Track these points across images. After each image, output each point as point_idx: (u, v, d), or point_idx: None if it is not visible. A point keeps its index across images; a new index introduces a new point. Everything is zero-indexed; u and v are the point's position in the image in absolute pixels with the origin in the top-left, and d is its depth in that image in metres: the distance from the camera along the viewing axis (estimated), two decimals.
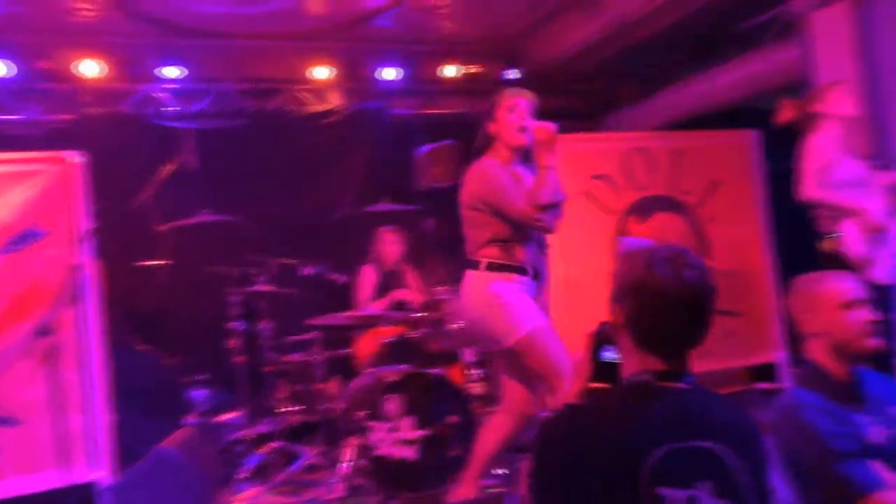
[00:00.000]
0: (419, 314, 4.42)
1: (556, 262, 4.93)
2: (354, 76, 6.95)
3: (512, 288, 3.15)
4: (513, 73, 7.22)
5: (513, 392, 3.37)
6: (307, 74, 6.78)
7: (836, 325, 1.99)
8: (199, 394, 5.19)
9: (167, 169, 5.76)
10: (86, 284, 3.62)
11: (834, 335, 2.00)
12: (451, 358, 4.70)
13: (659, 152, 5.10)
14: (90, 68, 5.73)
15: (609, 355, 1.81)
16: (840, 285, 2.03)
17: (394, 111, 7.10)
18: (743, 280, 5.16)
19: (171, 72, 6.26)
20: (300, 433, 4.73)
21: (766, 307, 5.16)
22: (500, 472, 3.85)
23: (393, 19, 6.27)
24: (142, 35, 6.01)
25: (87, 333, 3.61)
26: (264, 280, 4.61)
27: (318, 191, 6.47)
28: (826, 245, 3.64)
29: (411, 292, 5.13)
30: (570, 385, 3.03)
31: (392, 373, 4.06)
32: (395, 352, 4.41)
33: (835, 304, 2.00)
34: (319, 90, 7.02)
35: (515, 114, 3.20)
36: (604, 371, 1.83)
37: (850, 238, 3.58)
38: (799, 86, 4.64)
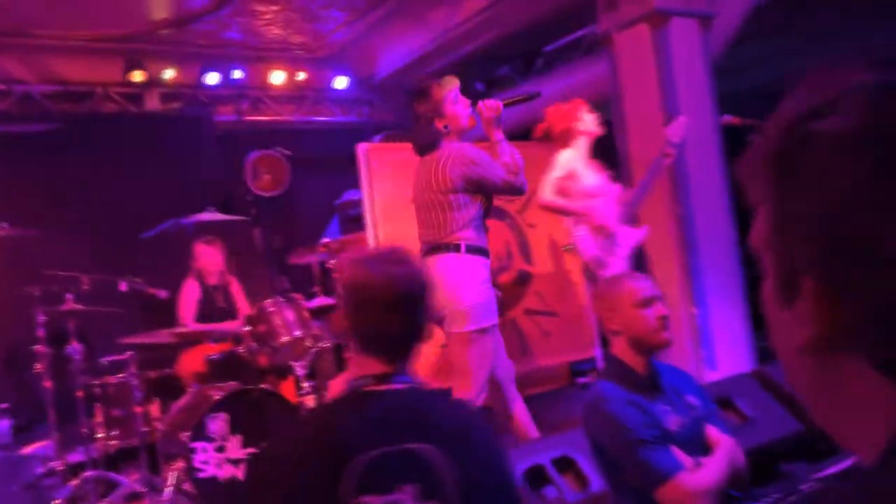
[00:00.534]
0: (246, 328, 4.26)
1: None
2: (175, 80, 6.65)
3: (485, 274, 3.26)
4: (342, 82, 7.21)
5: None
6: (124, 78, 6.40)
7: (633, 322, 2.13)
8: (1, 425, 4.72)
9: None
10: None
11: (631, 331, 2.14)
12: (282, 372, 4.59)
13: None
14: None
15: None
16: (634, 285, 2.18)
17: (218, 117, 6.85)
18: (560, 282, 5.45)
19: None
20: (118, 460, 4.42)
21: (582, 307, 5.47)
22: None
23: (216, 23, 6.06)
24: None
25: None
26: (74, 298, 4.26)
27: (136, 200, 6.10)
28: (566, 250, 3.98)
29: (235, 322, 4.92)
30: (471, 394, 3.11)
31: (217, 390, 3.89)
32: (222, 369, 4.23)
33: (630, 302, 2.14)
34: (137, 94, 6.66)
35: (459, 103, 3.32)
36: None
37: (583, 241, 3.97)
38: (607, 100, 4.97)
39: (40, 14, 5.39)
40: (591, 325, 5.41)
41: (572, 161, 4.03)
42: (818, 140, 0.54)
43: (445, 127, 3.30)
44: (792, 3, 5.48)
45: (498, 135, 3.31)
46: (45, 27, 5.65)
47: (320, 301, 4.93)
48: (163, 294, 4.84)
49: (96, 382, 4.31)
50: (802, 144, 0.55)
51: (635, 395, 2.10)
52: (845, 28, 6.19)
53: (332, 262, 4.89)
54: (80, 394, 4.22)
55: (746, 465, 2.10)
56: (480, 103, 3.33)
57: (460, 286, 3.17)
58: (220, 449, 3.74)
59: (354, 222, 5.64)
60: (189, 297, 4.88)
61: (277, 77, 6.89)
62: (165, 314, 4.92)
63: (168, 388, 4.49)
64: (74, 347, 4.22)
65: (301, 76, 7.02)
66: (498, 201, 5.29)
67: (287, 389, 4.65)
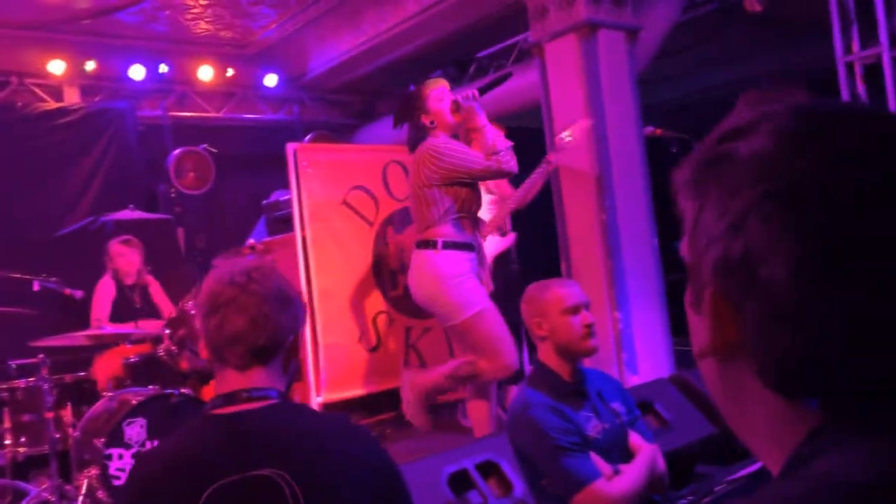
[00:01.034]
0: (167, 330, 4.14)
1: (314, 274, 4.93)
2: (97, 73, 6.41)
3: (464, 267, 3.32)
4: (271, 80, 7.09)
5: (492, 354, 3.47)
6: (42, 68, 6.13)
7: (560, 329, 2.16)
8: None
9: None
10: None
11: (558, 338, 2.17)
12: (204, 376, 4.47)
13: None
14: None
15: None
16: (563, 291, 2.21)
17: (142, 112, 6.64)
18: None
19: None
20: (27, 468, 4.23)
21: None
22: None
23: (142, 15, 5.87)
24: None
25: None
26: None
27: (53, 197, 5.85)
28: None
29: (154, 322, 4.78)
30: (506, 362, 3.33)
31: (135, 395, 3.77)
32: (140, 372, 4.10)
33: (558, 309, 2.17)
34: (56, 86, 6.39)
35: (445, 100, 3.42)
36: None
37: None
38: (538, 107, 5.05)
39: None
40: (521, 330, 5.47)
41: None
42: (726, 160, 0.57)
43: (431, 122, 3.42)
44: (708, 21, 5.70)
45: (480, 120, 3.43)
46: None
47: None
48: (78, 294, 4.66)
49: (4, 387, 4.11)
50: (715, 163, 0.58)
51: (559, 402, 2.13)
52: (758, 45, 6.47)
53: None
54: None
55: (667, 471, 2.16)
56: (457, 96, 3.44)
57: (439, 283, 3.31)
58: (137, 455, 3.62)
59: (282, 223, 5.56)
60: (103, 296, 4.70)
61: (205, 73, 6.73)
62: (81, 316, 4.74)
63: (82, 393, 4.33)
64: None
65: (229, 72, 6.88)
66: None
67: (208, 394, 4.53)
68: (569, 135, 4.06)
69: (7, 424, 4.08)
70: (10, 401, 4.09)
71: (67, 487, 3.82)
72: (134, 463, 1.43)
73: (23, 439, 4.08)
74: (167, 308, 4.77)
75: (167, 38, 6.37)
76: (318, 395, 4.84)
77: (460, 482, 2.55)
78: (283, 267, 5.50)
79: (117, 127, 6.26)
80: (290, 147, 4.96)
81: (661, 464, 2.14)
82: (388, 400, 4.92)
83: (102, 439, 3.57)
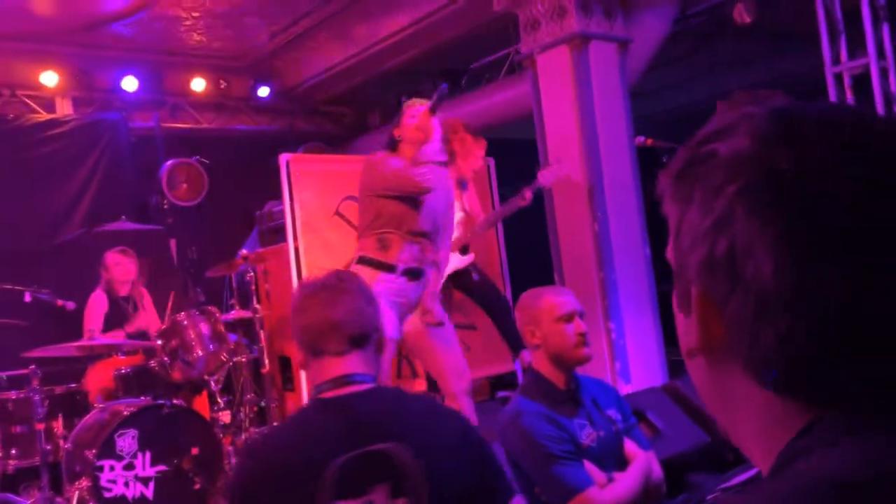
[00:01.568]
0: (158, 342, 4.13)
1: None
2: (89, 85, 6.41)
3: (376, 288, 3.11)
4: (264, 91, 7.11)
5: (437, 376, 3.51)
6: (34, 80, 6.13)
7: (553, 337, 2.16)
8: None
9: None
10: None
11: (551, 346, 2.17)
12: (196, 387, 4.45)
13: None
14: None
15: None
16: (556, 299, 2.21)
17: (134, 123, 6.64)
18: None
19: None
20: (18, 480, 4.20)
21: None
22: None
23: (136, 27, 5.88)
24: None
25: None
26: None
27: (45, 208, 5.83)
28: None
29: (147, 318, 4.77)
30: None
31: (126, 406, 3.75)
32: (132, 384, 4.08)
33: (551, 317, 2.17)
34: (48, 98, 6.39)
35: (416, 118, 3.33)
36: None
37: None
38: (530, 118, 5.08)
39: None
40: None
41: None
42: (708, 160, 0.58)
43: (399, 136, 3.38)
44: (698, 33, 5.75)
45: (432, 133, 3.33)
46: None
47: (237, 314, 4.82)
48: (71, 306, 4.65)
49: None
50: (698, 164, 0.59)
51: (552, 410, 2.13)
52: (747, 57, 6.54)
53: (250, 275, 4.79)
54: None
55: (663, 479, 2.16)
56: (410, 118, 3.36)
57: None
58: (129, 467, 3.60)
59: (275, 234, 5.56)
60: (96, 308, 4.69)
61: (198, 84, 6.74)
62: (73, 327, 4.72)
63: (73, 404, 4.29)
64: None
65: (222, 84, 6.89)
66: None
67: (201, 405, 4.52)
68: (547, 182, 4.26)
69: None
70: (1, 412, 4.06)
71: (58, 500, 3.79)
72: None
73: (13, 451, 4.05)
74: (155, 322, 4.74)
75: (160, 50, 6.38)
76: None
77: None
78: (275, 277, 5.50)
79: (110, 138, 6.25)
80: (283, 157, 4.96)
81: (658, 471, 2.14)
82: None
83: (94, 451, 3.55)
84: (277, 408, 5.09)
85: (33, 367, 3.93)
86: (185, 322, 4.12)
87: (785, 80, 6.66)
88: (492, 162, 5.76)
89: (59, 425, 4.10)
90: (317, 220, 5.05)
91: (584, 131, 4.61)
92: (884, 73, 4.22)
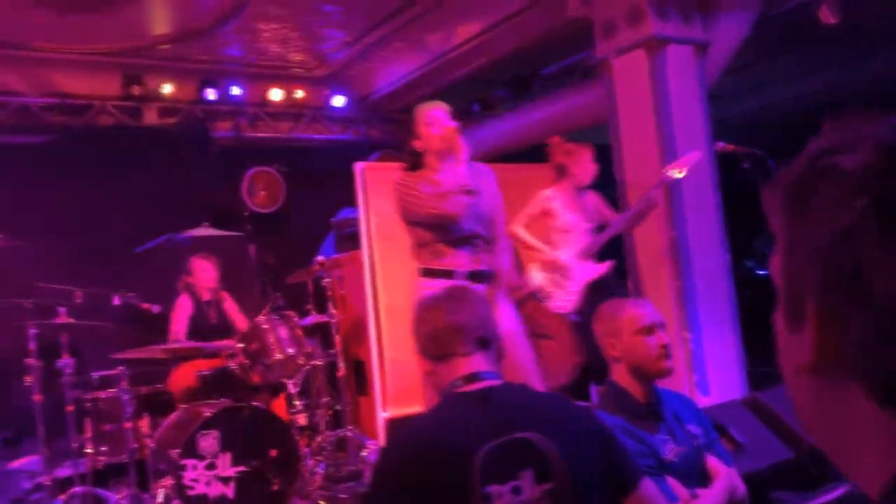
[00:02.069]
0: (240, 345, 4.25)
1: (380, 290, 4.99)
2: (174, 95, 6.66)
3: None
4: (339, 100, 7.24)
5: None
6: (123, 91, 6.41)
7: (634, 349, 2.13)
8: None
9: None
10: None
11: (632, 359, 2.14)
12: (274, 389, 4.57)
13: None
14: None
15: None
16: (637, 311, 2.18)
17: (216, 133, 6.86)
18: None
19: None
20: (107, 476, 4.38)
21: None
22: None
23: (217, 40, 6.08)
24: None
25: None
26: (66, 311, 4.24)
27: (132, 214, 6.08)
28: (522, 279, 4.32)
29: (230, 321, 4.92)
30: None
31: (208, 407, 3.87)
32: (214, 385, 4.21)
33: (632, 329, 2.14)
34: (135, 108, 6.66)
35: (435, 126, 3.34)
36: None
37: (532, 273, 4.37)
38: (603, 124, 5.02)
39: (41, 27, 5.40)
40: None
41: (549, 200, 4.34)
42: (829, 174, 0.57)
43: (421, 149, 3.37)
44: (780, 36, 5.57)
45: (461, 154, 3.33)
46: (46, 40, 5.66)
47: (314, 318, 4.92)
48: (156, 309, 4.82)
49: (87, 397, 4.28)
50: (816, 178, 0.58)
51: (633, 424, 2.10)
52: (832, 58, 6.29)
53: (326, 280, 4.89)
54: (70, 408, 4.19)
55: (747, 496, 2.10)
56: (429, 124, 3.36)
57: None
58: (211, 466, 3.71)
59: (350, 240, 5.65)
60: (182, 312, 4.86)
61: (276, 94, 6.92)
62: (157, 329, 4.90)
63: (158, 404, 4.46)
64: (66, 361, 4.20)
65: (299, 94, 7.06)
66: None
67: (279, 407, 4.63)
68: (679, 172, 4.01)
69: (89, 434, 4.24)
70: (92, 411, 4.25)
71: (144, 496, 3.95)
72: (391, 441, 1.62)
73: (104, 448, 4.23)
74: (241, 323, 4.89)
75: (240, 62, 6.58)
76: (384, 410, 4.88)
77: None
78: (350, 283, 5.59)
79: (193, 147, 6.48)
80: (359, 166, 5.04)
81: (741, 488, 2.08)
82: None
83: (177, 450, 3.68)
84: (352, 411, 5.17)
85: (122, 367, 4.10)
86: (265, 326, 4.23)
87: (871, 82, 6.39)
88: None
89: (145, 424, 4.27)
90: (391, 227, 5.09)
91: (662, 136, 4.52)
92: None
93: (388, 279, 4.99)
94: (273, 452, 3.84)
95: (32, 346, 4.19)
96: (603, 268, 4.29)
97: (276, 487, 3.79)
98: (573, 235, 4.30)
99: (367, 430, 5.16)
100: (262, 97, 6.96)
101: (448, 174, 3.27)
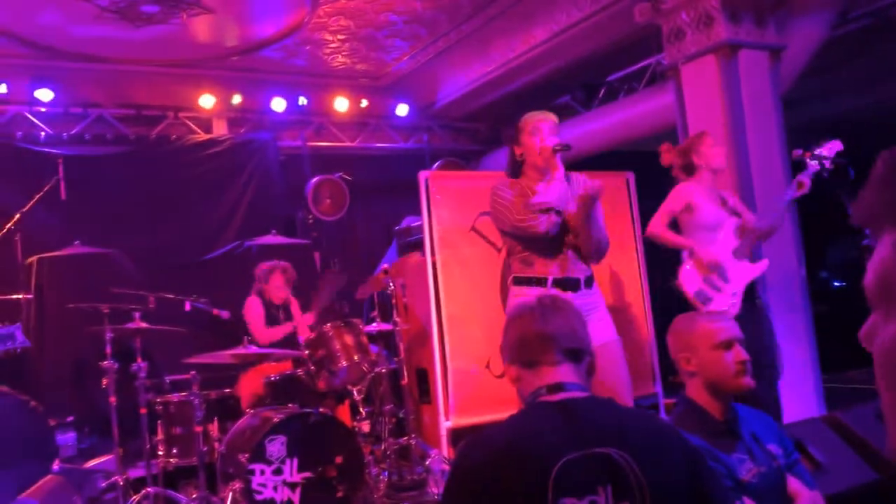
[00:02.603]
0: (305, 351, 4.30)
1: (444, 299, 4.98)
2: (242, 106, 6.82)
3: None
4: (403, 109, 7.29)
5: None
6: (193, 102, 6.59)
7: (711, 365, 2.06)
8: (67, 438, 4.84)
9: (37, 196, 5.36)
10: None
11: (709, 374, 2.06)
12: (339, 396, 4.60)
13: None
14: None
15: None
16: (713, 326, 2.10)
17: (283, 143, 7.00)
18: (620, 315, 5.34)
19: (45, 94, 5.93)
20: (177, 478, 4.49)
21: (644, 341, 5.37)
22: None
23: (283, 51, 6.21)
24: (11, 55, 5.67)
25: None
26: (141, 316, 4.37)
27: (202, 222, 6.25)
28: (671, 282, 3.91)
29: (298, 326, 5.00)
30: None
31: (276, 413, 3.92)
32: (281, 391, 4.26)
33: (709, 344, 2.07)
34: (206, 119, 6.85)
35: (537, 136, 3.34)
36: None
37: (687, 276, 3.86)
38: (671, 130, 4.91)
39: (116, 40, 5.60)
40: (653, 359, 5.30)
41: (691, 194, 3.90)
42: None
43: (521, 155, 3.38)
44: (859, 38, 5.36)
45: (555, 173, 3.30)
46: (121, 52, 5.86)
47: (378, 326, 4.95)
48: (225, 315, 4.92)
49: (159, 400, 4.39)
50: None
51: (708, 442, 2.03)
52: None
53: (391, 289, 4.91)
54: (143, 411, 4.31)
55: None
56: (552, 141, 3.30)
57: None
58: (278, 471, 3.75)
59: (413, 249, 5.67)
60: (256, 314, 4.97)
61: (341, 104, 7.02)
62: (227, 335, 5.00)
63: (227, 409, 4.54)
64: (140, 365, 4.32)
65: (363, 103, 7.14)
66: None
67: (343, 413, 4.66)
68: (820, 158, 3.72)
69: (160, 436, 4.35)
70: (164, 414, 4.36)
71: (213, 499, 4.01)
72: (469, 445, 1.58)
73: (174, 451, 4.33)
74: (305, 328, 4.95)
75: (306, 72, 6.70)
76: (446, 419, 4.86)
77: None
78: (413, 291, 5.58)
79: (260, 156, 6.63)
80: (423, 175, 5.05)
81: None
82: None
83: (246, 454, 3.73)
84: (415, 419, 5.17)
85: (193, 372, 4.19)
86: (331, 333, 4.27)
87: None
88: (631, 176, 5.62)
89: (214, 428, 4.34)
90: (453, 236, 5.10)
91: (734, 144, 4.40)
92: None
93: (449, 287, 4.98)
94: (338, 459, 3.86)
95: (108, 349, 4.33)
96: (761, 267, 3.88)
97: (340, 494, 3.80)
98: (722, 233, 3.87)
99: (430, 438, 5.15)
100: (327, 107, 7.06)
101: (545, 188, 3.26)
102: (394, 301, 4.91)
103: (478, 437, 1.59)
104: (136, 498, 4.14)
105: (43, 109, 6.14)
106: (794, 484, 2.04)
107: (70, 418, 4.85)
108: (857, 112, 6.96)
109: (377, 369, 4.66)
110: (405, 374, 4.85)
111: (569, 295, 3.23)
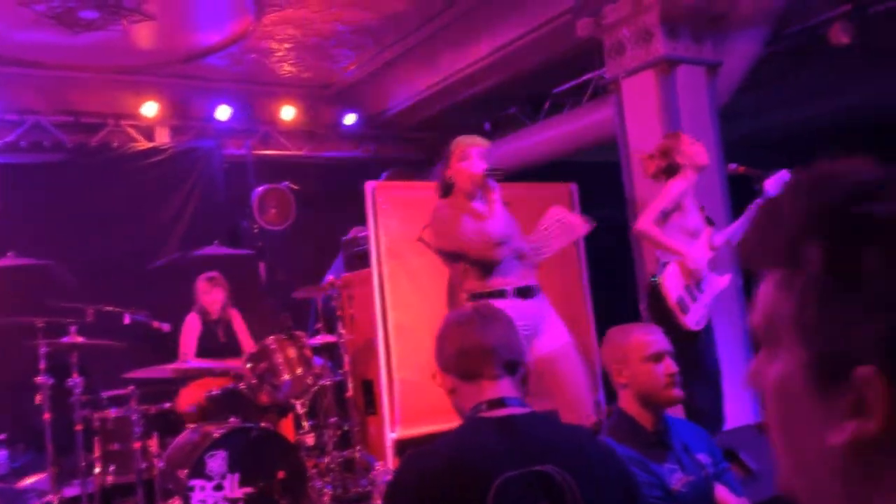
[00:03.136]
0: (247, 365, 4.24)
1: (389, 310, 4.97)
2: (185, 114, 6.71)
3: None
4: (350, 118, 7.27)
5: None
6: (135, 110, 6.46)
7: (641, 377, 2.10)
8: None
9: None
10: None
11: (639, 386, 2.11)
12: (282, 410, 4.55)
13: None
14: None
15: None
16: (645, 338, 2.15)
17: (228, 151, 6.90)
18: (565, 323, 5.40)
19: None
20: (115, 496, 4.38)
21: (586, 351, 5.43)
22: None
23: (229, 59, 6.14)
24: None
25: None
26: (77, 329, 4.25)
27: (143, 233, 6.12)
28: (651, 284, 3.75)
29: (238, 340, 4.93)
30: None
31: (217, 427, 3.86)
32: (222, 405, 4.20)
33: (640, 356, 2.11)
34: (148, 127, 6.71)
35: (466, 162, 3.33)
36: None
37: (671, 281, 3.67)
38: (615, 143, 5.01)
39: (54, 45, 5.46)
40: (597, 366, 5.37)
41: (684, 194, 3.76)
42: (876, 224, 0.52)
43: (450, 178, 3.39)
44: (791, 56, 5.54)
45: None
46: (60, 58, 5.72)
47: (322, 338, 4.92)
48: (166, 328, 4.84)
49: (96, 416, 4.28)
50: (857, 227, 0.52)
51: (640, 453, 2.07)
52: (844, 78, 6.26)
53: (335, 300, 4.88)
54: (78, 427, 4.20)
55: None
56: (481, 168, 3.31)
57: None
58: (218, 487, 3.70)
59: (360, 259, 5.65)
60: (190, 331, 4.87)
61: (287, 112, 6.96)
62: (167, 349, 4.90)
63: (166, 424, 4.46)
64: (75, 380, 4.21)
65: (310, 112, 7.09)
66: None
67: (286, 427, 4.61)
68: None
69: (97, 453, 4.24)
70: (101, 430, 4.26)
71: None
72: (410, 460, 1.58)
73: (111, 468, 4.23)
74: (248, 342, 4.89)
75: (252, 80, 6.63)
76: (392, 430, 4.85)
77: None
78: (359, 302, 5.57)
79: (204, 165, 6.52)
80: (369, 185, 5.05)
81: None
82: None
83: (186, 470, 3.67)
84: (360, 431, 5.14)
85: (132, 387, 4.10)
86: (274, 346, 4.22)
87: (883, 103, 6.35)
88: (574, 187, 5.70)
89: (153, 444, 4.26)
90: (400, 246, 5.09)
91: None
92: None
93: (396, 298, 4.98)
94: (281, 473, 3.82)
95: (43, 364, 4.20)
96: (727, 280, 3.82)
97: None
98: (700, 240, 3.76)
99: (376, 450, 5.13)
100: (274, 115, 7.00)
101: (488, 211, 3.28)
102: (339, 312, 4.88)
103: (417, 453, 1.59)
104: None
105: None
106: (721, 492, 2.10)
107: (2, 436, 4.69)
108: (790, 126, 7.20)
109: (321, 382, 4.63)
110: (350, 386, 4.83)
111: (528, 301, 3.29)
